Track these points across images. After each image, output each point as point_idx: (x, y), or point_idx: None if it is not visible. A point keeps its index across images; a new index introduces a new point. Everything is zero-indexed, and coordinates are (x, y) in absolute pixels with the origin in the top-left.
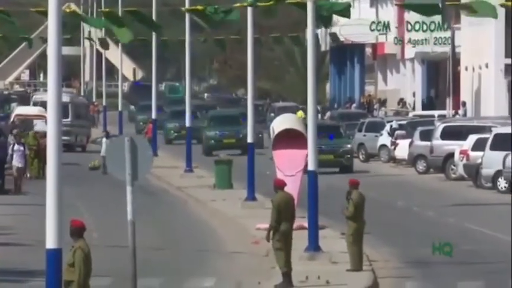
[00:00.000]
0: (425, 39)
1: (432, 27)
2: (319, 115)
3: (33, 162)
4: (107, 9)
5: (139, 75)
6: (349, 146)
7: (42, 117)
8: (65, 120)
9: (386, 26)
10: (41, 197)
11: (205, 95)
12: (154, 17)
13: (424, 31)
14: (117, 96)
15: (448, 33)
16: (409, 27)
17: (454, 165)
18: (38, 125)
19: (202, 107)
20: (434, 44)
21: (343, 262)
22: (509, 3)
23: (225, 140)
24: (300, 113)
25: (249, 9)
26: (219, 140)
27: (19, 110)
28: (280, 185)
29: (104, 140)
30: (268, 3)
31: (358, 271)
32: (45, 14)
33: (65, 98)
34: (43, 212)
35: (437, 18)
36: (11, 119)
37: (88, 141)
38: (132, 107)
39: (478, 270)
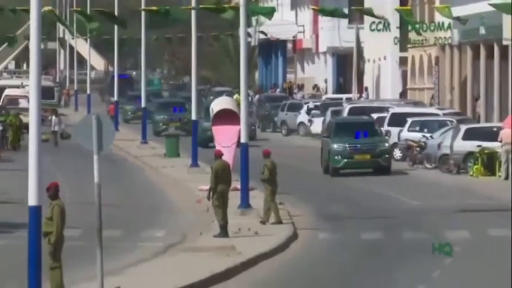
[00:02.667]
0: (426, 39)
1: (432, 27)
2: (250, 98)
3: (13, 136)
4: (79, 9)
5: (110, 69)
6: (386, 144)
7: (26, 97)
8: (52, 101)
9: (387, 27)
10: (19, 164)
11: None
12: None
13: (424, 31)
14: (86, 82)
15: (448, 34)
16: (409, 27)
17: None
18: (22, 103)
19: (189, 99)
20: (434, 44)
21: (270, 217)
22: (402, 7)
23: None
24: (237, 96)
25: (193, 11)
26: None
27: (8, 91)
28: (218, 154)
29: (53, 117)
30: (209, 6)
31: (280, 223)
32: (27, 11)
33: (51, 83)
34: (22, 176)
35: (437, 19)
36: (1, 99)
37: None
38: (113, 98)
39: (377, 224)
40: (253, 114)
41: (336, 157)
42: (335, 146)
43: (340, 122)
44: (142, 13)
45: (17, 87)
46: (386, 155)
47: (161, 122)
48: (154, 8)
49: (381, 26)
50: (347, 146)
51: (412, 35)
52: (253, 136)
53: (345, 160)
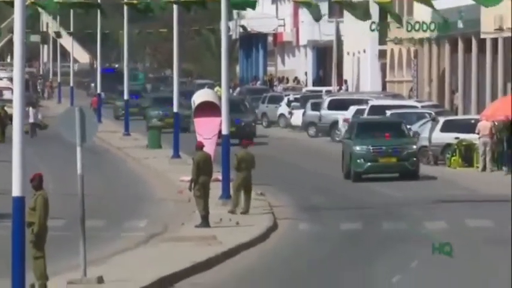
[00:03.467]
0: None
1: (432, 27)
2: (231, 90)
3: None
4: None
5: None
6: (414, 147)
7: (10, 89)
8: (27, 92)
9: (387, 27)
10: (3, 155)
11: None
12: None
13: (424, 31)
14: (69, 75)
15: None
16: (409, 27)
17: (338, 130)
18: (6, 95)
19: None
20: (430, 40)
21: (250, 208)
22: (382, 0)
23: None
24: (218, 88)
25: (175, 6)
26: None
27: None
28: (200, 146)
29: (31, 109)
30: (190, 0)
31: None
32: (11, 4)
33: (26, 75)
34: (6, 167)
35: (437, 19)
36: None
37: None
38: (102, 93)
39: (357, 214)
40: (251, 110)
41: (358, 160)
42: (357, 148)
43: (364, 122)
44: (125, 7)
45: None
46: (414, 158)
47: (156, 118)
48: (135, 1)
49: (375, 26)
50: (370, 148)
51: (401, 33)
52: (254, 133)
53: (369, 164)
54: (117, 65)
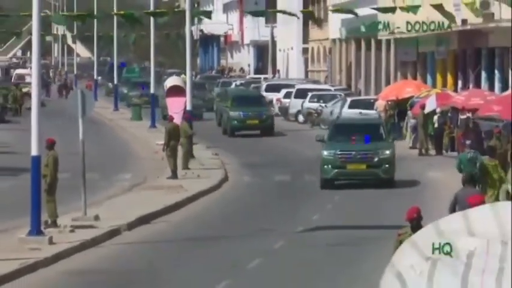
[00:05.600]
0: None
1: (432, 26)
2: (193, 77)
3: (14, 103)
4: (67, 13)
5: (107, 58)
6: (387, 152)
7: (30, 74)
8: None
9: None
10: (22, 124)
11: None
12: (96, 20)
13: (423, 31)
14: (73, 66)
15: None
16: (409, 27)
17: (273, 107)
18: (28, 79)
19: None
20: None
21: (208, 164)
22: (306, 10)
23: (248, 121)
24: (183, 76)
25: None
26: (242, 120)
27: (17, 71)
28: (170, 118)
29: None
30: (165, 10)
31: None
32: (29, 16)
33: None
34: (26, 133)
35: (437, 18)
36: (13, 76)
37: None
38: (110, 84)
39: (287, 169)
40: (270, 104)
41: (325, 166)
42: (325, 153)
43: (340, 123)
44: (115, 17)
45: None
46: (387, 165)
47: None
48: (122, 12)
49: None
50: (338, 153)
51: (319, 35)
52: (273, 124)
53: (336, 170)
54: (108, 58)
